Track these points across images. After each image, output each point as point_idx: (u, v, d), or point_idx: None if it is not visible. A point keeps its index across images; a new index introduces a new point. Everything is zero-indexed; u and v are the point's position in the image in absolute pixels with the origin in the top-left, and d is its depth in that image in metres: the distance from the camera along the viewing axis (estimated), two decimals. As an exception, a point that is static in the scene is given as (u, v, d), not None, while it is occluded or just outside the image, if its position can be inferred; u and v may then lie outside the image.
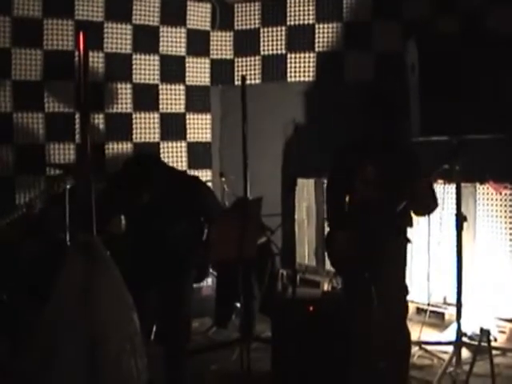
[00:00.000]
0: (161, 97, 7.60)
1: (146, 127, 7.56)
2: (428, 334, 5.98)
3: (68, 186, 5.65)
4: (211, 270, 6.53)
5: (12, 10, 6.92)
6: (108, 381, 3.25)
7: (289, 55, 7.84)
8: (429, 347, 5.62)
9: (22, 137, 7.00)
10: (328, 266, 7.05)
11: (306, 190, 7.26)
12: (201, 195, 5.05)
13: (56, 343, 3.19)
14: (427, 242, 6.07)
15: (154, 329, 5.36)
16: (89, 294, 3.16)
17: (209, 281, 6.54)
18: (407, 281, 4.60)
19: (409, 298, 4.60)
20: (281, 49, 7.87)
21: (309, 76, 7.80)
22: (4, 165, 6.86)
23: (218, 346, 6.03)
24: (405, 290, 4.57)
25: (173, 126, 7.66)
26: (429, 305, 6.11)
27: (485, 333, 4.49)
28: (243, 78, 5.33)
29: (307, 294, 5.51)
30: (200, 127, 7.84)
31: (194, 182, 5.21)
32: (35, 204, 5.80)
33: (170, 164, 6.94)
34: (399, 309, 4.57)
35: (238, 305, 6.30)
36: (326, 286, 6.92)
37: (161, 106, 7.60)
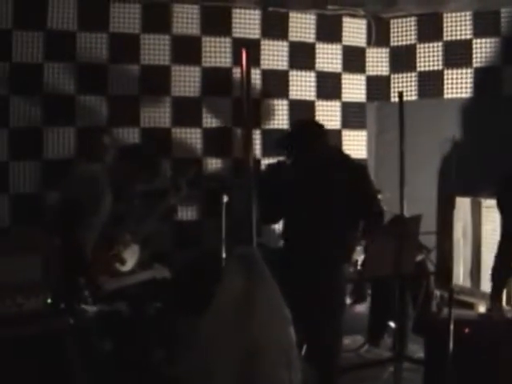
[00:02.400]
0: (317, 113, 7.62)
1: (303, 143, 7.59)
2: None
3: (225, 200, 5.79)
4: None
5: (171, 28, 7.15)
6: (262, 393, 3.28)
7: (445, 71, 7.69)
8: None
9: (181, 151, 7.20)
10: (484, 287, 6.87)
11: (462, 208, 7.10)
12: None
13: (213, 354, 3.24)
14: None
15: (305, 345, 5.35)
16: (247, 306, 3.19)
17: (361, 298, 6.50)
18: None
19: None
20: (437, 65, 7.73)
21: (466, 92, 7.62)
22: (162, 178, 7.06)
23: (369, 364, 5.97)
24: None
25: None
26: None
27: None
28: (401, 95, 5.27)
29: (462, 315, 5.37)
30: (356, 144, 7.82)
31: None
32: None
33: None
34: None
35: (391, 323, 6.23)
36: (480, 308, 6.73)
37: (317, 123, 7.63)
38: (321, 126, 5.13)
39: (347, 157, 5.12)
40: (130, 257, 5.61)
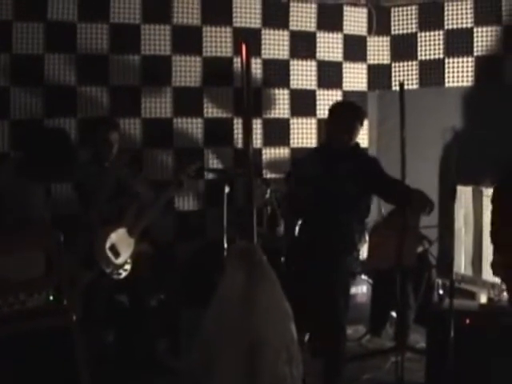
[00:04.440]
0: (318, 102, 7.61)
1: (303, 132, 7.61)
2: None
3: (227, 191, 5.80)
4: (366, 278, 6.51)
5: (172, 18, 7.12)
6: (263, 387, 3.29)
7: (447, 60, 7.66)
8: None
9: (182, 141, 7.19)
10: (485, 275, 6.87)
11: (463, 197, 7.09)
12: None
13: (215, 347, 3.26)
14: None
15: (307, 337, 5.37)
16: (249, 299, 3.20)
17: (363, 288, 6.50)
18: None
19: None
20: (438, 53, 7.70)
21: (467, 81, 7.59)
22: (164, 169, 7.06)
23: (371, 354, 5.99)
24: None
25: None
26: None
27: None
28: (401, 84, 5.25)
29: (463, 305, 5.37)
30: (357, 133, 7.81)
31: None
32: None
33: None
34: None
35: (393, 314, 6.25)
36: (482, 297, 6.74)
37: (318, 112, 7.61)
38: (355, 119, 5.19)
39: (361, 150, 5.22)
40: (125, 250, 5.62)
